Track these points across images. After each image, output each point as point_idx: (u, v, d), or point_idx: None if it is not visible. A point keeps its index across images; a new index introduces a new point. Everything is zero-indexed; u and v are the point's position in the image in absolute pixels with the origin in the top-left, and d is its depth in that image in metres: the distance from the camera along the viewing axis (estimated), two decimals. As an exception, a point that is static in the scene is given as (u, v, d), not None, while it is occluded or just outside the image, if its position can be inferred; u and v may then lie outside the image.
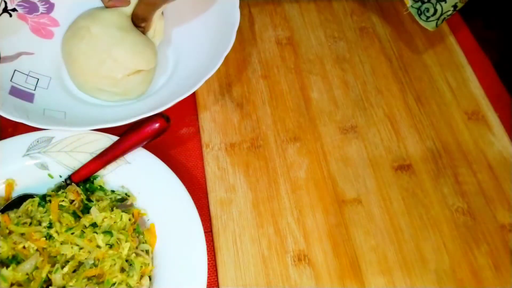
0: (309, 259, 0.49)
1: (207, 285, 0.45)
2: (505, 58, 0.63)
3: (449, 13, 0.56)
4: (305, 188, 0.53)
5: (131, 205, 0.49)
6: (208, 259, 0.46)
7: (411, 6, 0.58)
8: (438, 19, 0.57)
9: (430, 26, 0.58)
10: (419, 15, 0.57)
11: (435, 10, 0.56)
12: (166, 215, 0.48)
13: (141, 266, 0.45)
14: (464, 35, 0.66)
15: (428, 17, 0.57)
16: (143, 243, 0.47)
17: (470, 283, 0.48)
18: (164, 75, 0.60)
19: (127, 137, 0.49)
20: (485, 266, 0.49)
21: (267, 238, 0.50)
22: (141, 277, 0.45)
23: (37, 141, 0.50)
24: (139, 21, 0.57)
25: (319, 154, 0.55)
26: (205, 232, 0.47)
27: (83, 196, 0.47)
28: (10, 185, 0.49)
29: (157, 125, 0.49)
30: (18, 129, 0.53)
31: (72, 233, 0.44)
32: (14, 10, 0.57)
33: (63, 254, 0.44)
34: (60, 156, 0.50)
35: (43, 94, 0.56)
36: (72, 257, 0.44)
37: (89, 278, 0.43)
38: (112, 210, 0.47)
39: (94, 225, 0.45)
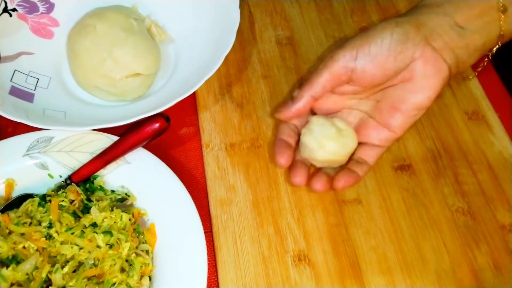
0: (309, 259, 0.49)
1: (207, 285, 0.45)
2: (505, 58, 0.63)
3: None
4: (305, 188, 0.53)
5: (131, 205, 0.49)
6: (208, 259, 0.46)
7: None
8: None
9: None
10: None
11: None
12: (166, 215, 0.48)
13: (141, 266, 0.45)
14: (464, 35, 0.66)
15: None
16: (143, 243, 0.47)
17: (470, 283, 0.48)
18: (164, 75, 0.60)
19: (127, 137, 0.49)
20: (485, 266, 0.49)
21: (267, 238, 0.50)
22: (141, 277, 0.45)
23: (37, 141, 0.50)
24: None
25: (319, 154, 0.55)
26: (205, 232, 0.47)
27: (83, 196, 0.47)
28: (10, 185, 0.49)
29: (157, 125, 0.49)
30: (18, 129, 0.53)
31: (72, 233, 0.44)
32: (14, 10, 0.57)
33: (63, 254, 0.44)
34: (60, 156, 0.50)
35: (43, 94, 0.56)
36: (72, 257, 0.44)
37: (89, 278, 0.43)
38: (112, 210, 0.47)
39: (94, 225, 0.45)
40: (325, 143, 0.47)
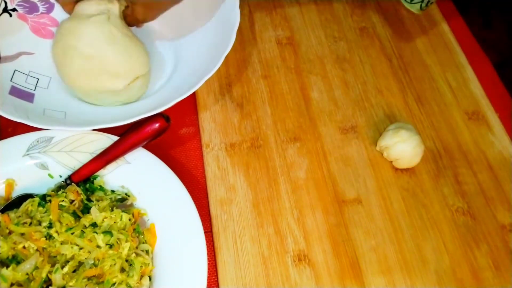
0: (309, 259, 0.49)
1: (207, 285, 0.45)
2: (505, 58, 0.63)
3: None
4: (305, 188, 0.53)
5: (131, 205, 0.49)
6: (208, 259, 0.46)
7: None
8: (422, 1, 0.57)
9: (414, 8, 0.58)
10: None
11: None
12: (166, 215, 0.48)
13: (141, 266, 0.45)
14: (464, 35, 0.66)
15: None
16: (143, 243, 0.47)
17: (470, 283, 0.48)
18: (164, 75, 0.60)
19: (127, 137, 0.49)
20: (485, 266, 0.49)
21: (267, 238, 0.50)
22: (141, 277, 0.45)
23: (37, 141, 0.50)
24: (139, 24, 0.56)
25: (319, 154, 0.55)
26: (205, 232, 0.47)
27: (83, 196, 0.47)
28: (10, 185, 0.49)
29: (157, 125, 0.49)
30: (18, 129, 0.53)
31: (72, 233, 0.44)
32: (14, 10, 0.57)
33: (63, 254, 0.44)
34: (60, 156, 0.50)
35: (43, 94, 0.56)
36: (72, 257, 0.44)
37: (89, 278, 0.43)
38: (112, 210, 0.47)
39: (94, 225, 0.45)
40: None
